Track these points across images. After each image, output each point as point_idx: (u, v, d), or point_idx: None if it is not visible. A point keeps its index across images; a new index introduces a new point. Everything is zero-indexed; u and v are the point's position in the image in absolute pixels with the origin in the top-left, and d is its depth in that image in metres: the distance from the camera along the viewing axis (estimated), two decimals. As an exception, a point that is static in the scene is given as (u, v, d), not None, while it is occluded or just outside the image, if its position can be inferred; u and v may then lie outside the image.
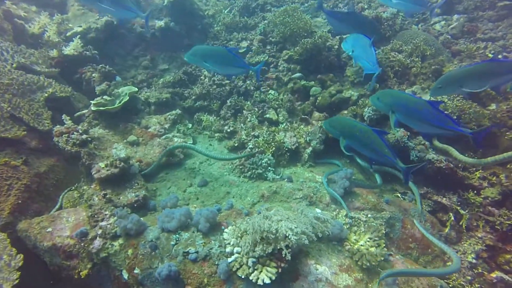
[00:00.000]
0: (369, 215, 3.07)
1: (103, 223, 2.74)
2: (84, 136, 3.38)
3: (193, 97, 5.07)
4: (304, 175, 3.55)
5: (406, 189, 3.72)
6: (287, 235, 2.11)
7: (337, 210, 3.12)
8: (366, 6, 5.85)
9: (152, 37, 5.81)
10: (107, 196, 2.98)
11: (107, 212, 2.83)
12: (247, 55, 5.31)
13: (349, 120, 3.45)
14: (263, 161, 3.43)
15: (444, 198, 3.51)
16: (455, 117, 3.64)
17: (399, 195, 3.74)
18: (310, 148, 3.81)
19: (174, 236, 2.57)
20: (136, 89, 4.52)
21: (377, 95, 3.23)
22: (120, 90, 4.41)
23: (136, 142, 3.93)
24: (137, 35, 5.72)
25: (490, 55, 4.55)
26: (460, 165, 3.62)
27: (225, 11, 6.30)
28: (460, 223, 3.41)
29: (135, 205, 2.97)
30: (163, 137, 4.06)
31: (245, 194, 3.30)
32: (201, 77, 5.49)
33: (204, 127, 4.62)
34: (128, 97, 4.17)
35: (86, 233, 2.71)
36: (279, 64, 4.94)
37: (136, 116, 4.39)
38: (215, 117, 4.65)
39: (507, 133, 3.45)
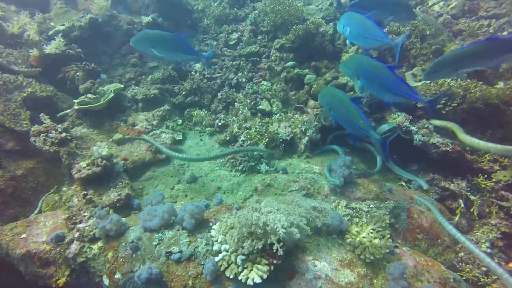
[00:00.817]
0: (371, 205, 2.83)
1: (81, 225, 2.53)
2: (63, 135, 3.18)
3: (183, 93, 4.87)
4: (301, 166, 3.32)
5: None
6: (275, 228, 1.88)
7: (337, 201, 2.88)
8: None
9: (140, 34, 5.61)
10: (88, 196, 2.77)
11: (86, 214, 2.62)
12: (238, 47, 5.10)
13: (334, 90, 3.21)
14: (255, 152, 3.20)
15: (452, 184, 3.27)
16: (459, 98, 3.41)
17: (403, 183, 3.51)
18: (306, 138, 3.58)
19: (156, 235, 2.35)
20: (122, 86, 4.33)
21: (345, 62, 3.05)
22: (105, 88, 4.22)
23: (122, 140, 3.72)
24: (124, 33, 5.52)
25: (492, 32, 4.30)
26: (467, 148, 3.38)
27: (215, 4, 6.10)
28: (471, 210, 3.16)
29: (118, 204, 2.76)
30: (150, 133, 3.84)
31: (237, 189, 3.08)
32: (192, 73, 5.31)
33: (195, 123, 4.41)
34: (113, 94, 3.97)
35: (62, 237, 2.50)
36: (271, 53, 4.72)
37: (122, 114, 4.19)
38: (206, 112, 4.43)
39: (517, 111, 3.21)
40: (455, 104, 3.35)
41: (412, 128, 3.44)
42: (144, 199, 3.05)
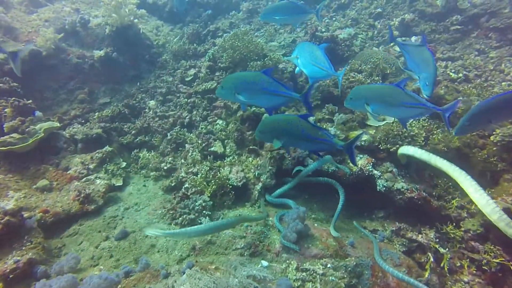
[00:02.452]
0: (328, 265, 2.48)
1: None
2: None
3: (133, 132, 4.52)
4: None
5: (377, 225, 3.20)
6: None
7: (289, 261, 2.51)
8: (324, 30, 5.69)
9: (90, 68, 5.32)
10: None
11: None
12: (193, 83, 4.88)
13: (276, 117, 2.98)
14: (196, 203, 2.83)
15: (420, 235, 3.00)
16: (421, 140, 3.26)
17: (366, 232, 3.21)
18: (260, 184, 3.27)
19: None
20: (58, 124, 3.93)
21: (222, 82, 2.90)
22: (38, 127, 3.80)
23: (48, 188, 3.26)
24: (72, 67, 5.21)
25: (452, 74, 4.32)
26: (434, 193, 3.17)
27: (175, 39, 5.97)
28: (442, 264, 2.87)
29: (11, 276, 2.25)
30: (84, 179, 3.41)
31: (173, 247, 2.66)
32: (146, 110, 5.00)
33: (141, 166, 4.03)
34: (42, 134, 3.56)
35: None
36: (228, 90, 4.51)
37: (55, 156, 3.74)
38: (153, 154, 4.07)
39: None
40: (418, 146, 3.18)
41: (375, 172, 3.21)
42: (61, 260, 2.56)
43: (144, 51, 5.84)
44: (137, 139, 4.44)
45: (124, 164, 3.95)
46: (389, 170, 3.25)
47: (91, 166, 3.64)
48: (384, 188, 3.13)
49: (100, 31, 5.70)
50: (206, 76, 4.78)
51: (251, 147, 3.58)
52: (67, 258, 2.32)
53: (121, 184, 3.59)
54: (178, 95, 4.91)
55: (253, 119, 4.09)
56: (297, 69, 3.54)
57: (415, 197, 3.03)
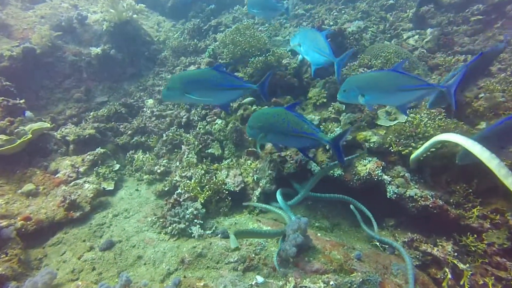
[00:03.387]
0: (331, 282, 2.23)
1: None
2: None
3: (129, 132, 4.35)
4: (247, 227, 2.73)
5: (387, 235, 2.94)
6: None
7: (287, 276, 2.28)
8: (331, 23, 5.42)
9: (87, 66, 5.19)
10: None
11: None
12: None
13: (265, 110, 2.81)
14: (187, 211, 2.62)
15: (436, 248, 2.71)
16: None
17: (377, 243, 2.95)
18: (259, 190, 3.04)
19: None
20: (48, 125, 3.78)
21: (168, 83, 2.64)
22: (27, 128, 3.66)
23: (34, 192, 3.11)
24: (69, 65, 5.09)
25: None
26: (452, 200, 2.88)
27: (175, 35, 5.78)
28: (461, 282, 2.58)
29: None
30: (72, 183, 3.24)
31: (161, 259, 2.45)
32: (144, 109, 4.84)
33: (136, 168, 3.85)
34: (30, 136, 3.41)
35: None
36: (228, 88, 4.29)
37: (44, 158, 3.59)
38: (148, 155, 3.88)
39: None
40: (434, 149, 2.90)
41: (385, 177, 2.94)
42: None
43: (144, 47, 5.68)
44: (133, 140, 4.27)
45: (117, 166, 3.77)
46: (401, 174, 2.98)
47: (81, 169, 3.48)
48: (395, 195, 2.86)
49: (98, 28, 5.57)
50: (205, 73, 4.57)
51: (250, 149, 3.35)
52: (41, 273, 2.14)
53: (112, 188, 3.42)
54: (176, 93, 4.72)
55: (254, 118, 3.87)
56: (299, 56, 3.41)
57: (430, 205, 2.75)
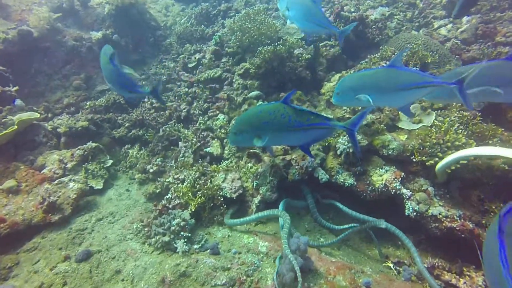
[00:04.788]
0: (333, 318, 1.93)
1: None
2: None
3: (127, 124, 4.11)
4: (242, 242, 2.44)
5: (402, 255, 2.60)
6: None
7: (282, 306, 1.98)
8: (352, 9, 4.97)
9: (88, 52, 4.96)
10: None
11: None
12: (196, 71, 4.38)
13: (254, 109, 2.54)
14: (173, 222, 2.34)
15: (462, 279, 2.35)
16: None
17: (391, 265, 2.61)
18: (259, 197, 2.74)
19: None
20: (38, 115, 3.58)
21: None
22: (15, 117, 3.47)
23: (15, 190, 2.92)
24: (68, 50, 4.87)
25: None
26: (484, 222, 2.49)
27: (182, 20, 5.47)
28: (491, 321, 2.21)
29: None
30: (56, 181, 3.03)
31: (141, 276, 2.20)
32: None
33: (130, 165, 3.62)
34: (16, 127, 3.21)
35: None
36: (234, 80, 3.96)
37: (31, 152, 3.40)
38: (143, 152, 3.63)
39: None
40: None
41: (404, 191, 2.58)
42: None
43: (149, 32, 5.41)
44: (131, 133, 4.03)
45: (110, 162, 3.55)
46: (423, 188, 2.61)
47: (69, 165, 3.27)
48: (415, 213, 2.50)
49: (101, 11, 5.32)
50: (210, 63, 4.26)
51: (251, 150, 3.04)
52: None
53: (101, 187, 3.20)
54: (179, 83, 4.44)
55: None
56: (288, 22, 3.28)
57: (457, 228, 2.38)
